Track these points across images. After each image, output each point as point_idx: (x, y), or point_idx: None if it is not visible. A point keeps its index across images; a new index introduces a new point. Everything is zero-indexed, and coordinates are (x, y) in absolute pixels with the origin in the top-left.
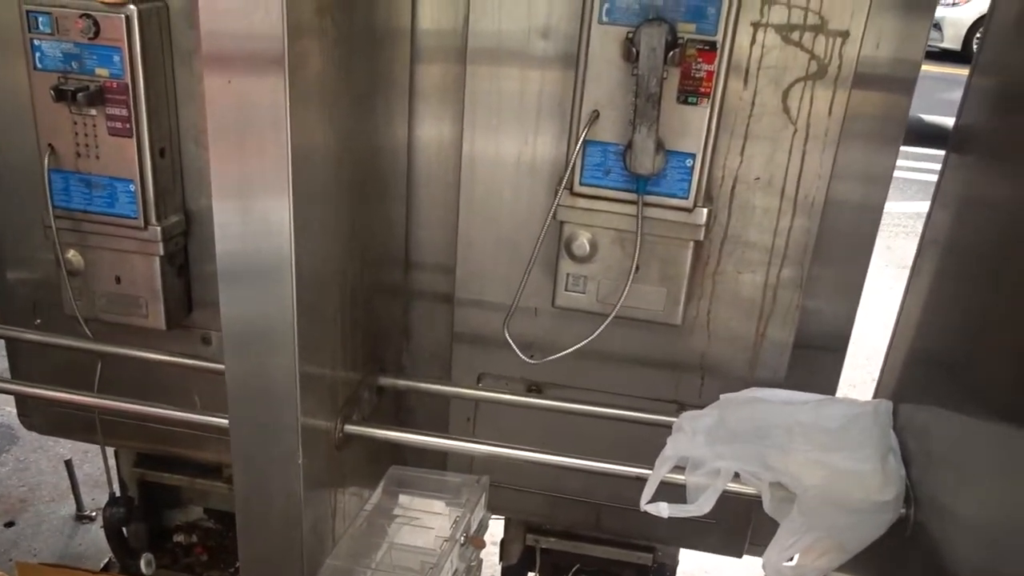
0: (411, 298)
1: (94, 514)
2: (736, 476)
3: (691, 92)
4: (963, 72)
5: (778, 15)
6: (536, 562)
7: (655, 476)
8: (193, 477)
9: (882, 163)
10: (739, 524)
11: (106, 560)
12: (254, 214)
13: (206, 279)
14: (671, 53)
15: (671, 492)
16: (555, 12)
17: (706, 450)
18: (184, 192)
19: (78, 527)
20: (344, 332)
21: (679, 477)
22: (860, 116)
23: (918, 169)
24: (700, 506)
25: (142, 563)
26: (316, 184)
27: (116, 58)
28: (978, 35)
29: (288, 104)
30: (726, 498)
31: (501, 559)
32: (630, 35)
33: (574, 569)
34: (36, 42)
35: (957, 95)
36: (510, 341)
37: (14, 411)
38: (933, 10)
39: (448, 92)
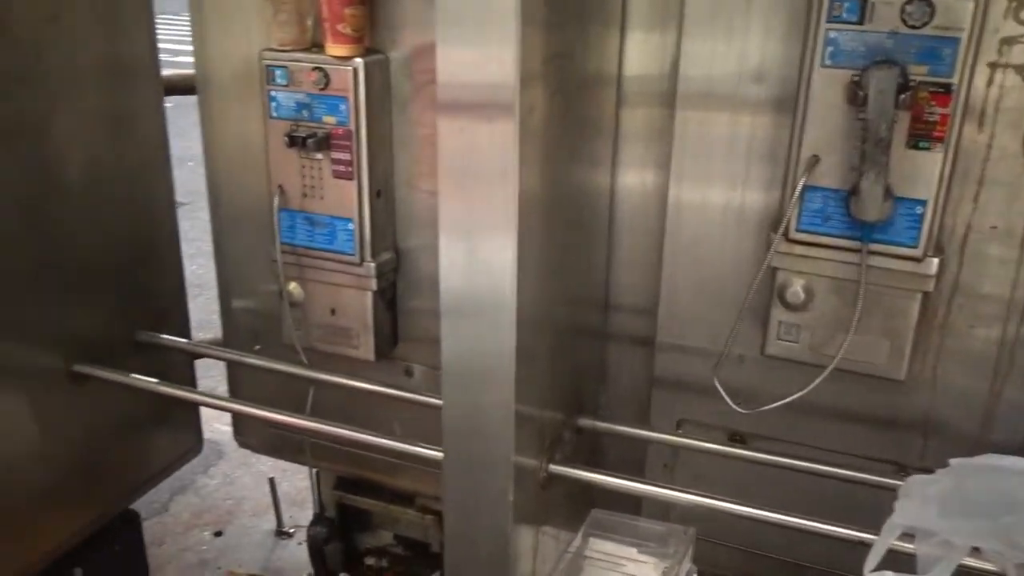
0: (609, 341)
1: (292, 531)
2: (975, 551)
3: (922, 136)
4: None
5: (1018, 55)
6: None
7: (882, 543)
8: (387, 503)
9: None
10: None
11: None
12: (479, 254)
13: (412, 314)
14: (901, 96)
15: (895, 561)
16: (768, 56)
17: (940, 521)
18: (396, 232)
19: (277, 542)
20: (552, 372)
21: (907, 546)
22: None
23: None
24: None
25: None
26: (535, 226)
27: (343, 107)
28: None
29: (517, 149)
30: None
31: None
32: (856, 78)
33: None
34: (273, 93)
35: None
36: (719, 388)
37: (222, 428)
38: None
39: (653, 137)
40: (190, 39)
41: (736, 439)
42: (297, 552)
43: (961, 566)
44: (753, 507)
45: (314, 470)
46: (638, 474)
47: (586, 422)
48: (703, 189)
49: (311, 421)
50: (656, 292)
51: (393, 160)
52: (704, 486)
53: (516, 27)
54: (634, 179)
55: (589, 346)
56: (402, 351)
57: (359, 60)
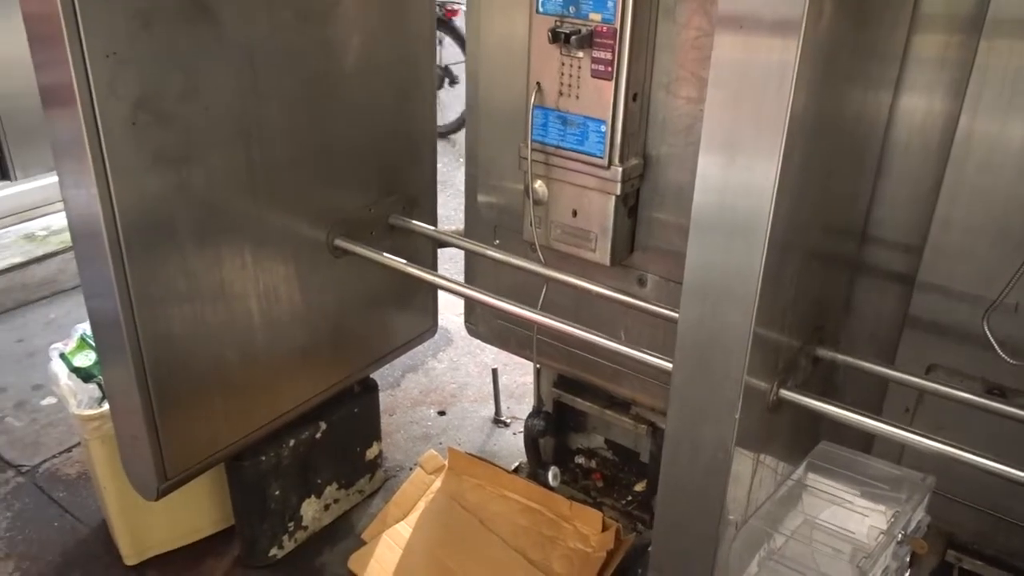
0: (860, 273)
1: (509, 421)
2: None
3: None
4: None
5: None
6: None
7: None
8: (603, 408)
9: None
10: None
11: (517, 464)
12: (739, 169)
13: (652, 223)
14: None
15: None
16: None
17: None
18: (647, 137)
19: (494, 429)
20: (795, 297)
21: None
22: None
23: None
24: None
25: (550, 475)
26: (801, 147)
27: (610, 3)
28: None
29: (797, 64)
30: None
31: (910, 566)
32: None
33: None
34: None
35: None
36: (989, 335)
37: (453, 318)
38: None
39: (947, 63)
40: None
41: (995, 392)
42: (512, 441)
43: None
44: (1002, 462)
45: (537, 366)
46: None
47: (825, 352)
48: (1001, 123)
49: (541, 315)
50: (925, 226)
51: (654, 63)
52: (946, 436)
53: None
54: (917, 106)
55: (838, 276)
56: (637, 259)
57: None
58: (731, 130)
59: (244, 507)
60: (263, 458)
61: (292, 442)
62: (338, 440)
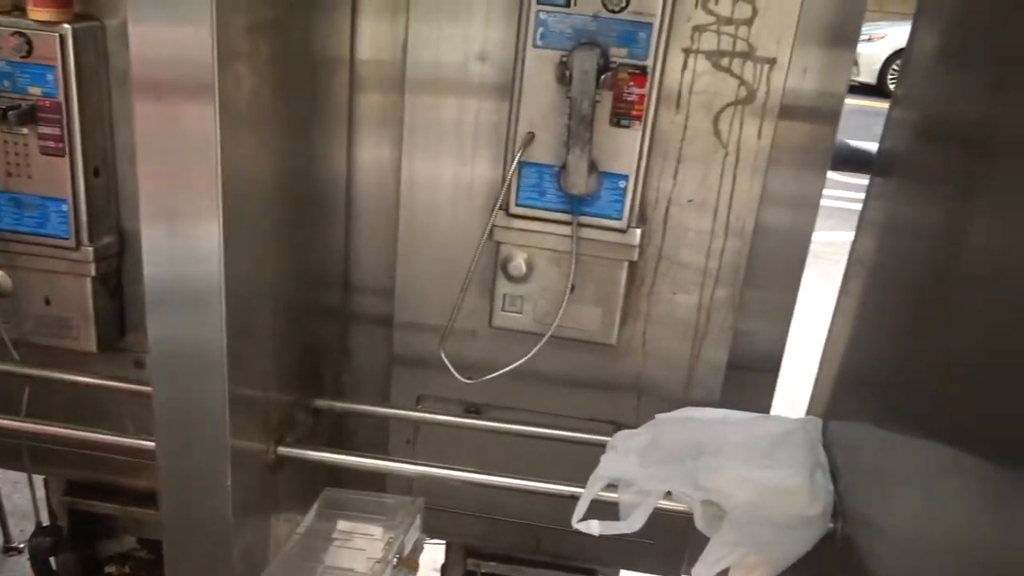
0: (351, 320)
1: (22, 546)
2: (668, 495)
3: (623, 115)
4: (879, 105)
5: (708, 42)
6: None
7: (587, 494)
8: (125, 505)
9: (810, 189)
10: (676, 544)
11: None
12: (183, 237)
13: (141, 301)
14: (603, 76)
15: (605, 511)
16: (491, 38)
17: (639, 470)
18: (119, 212)
19: (5, 560)
20: (278, 353)
21: (612, 495)
22: (788, 143)
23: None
24: (631, 523)
25: None
26: (248, 207)
27: (49, 77)
28: (895, 67)
29: (218, 128)
30: (662, 517)
31: None
32: (563, 58)
33: None
34: None
35: (874, 126)
36: (446, 362)
37: None
38: (856, 41)
39: (388, 119)
40: None
41: (472, 410)
42: (28, 568)
43: (657, 509)
44: (478, 472)
45: (42, 477)
46: (384, 452)
47: (323, 402)
48: (434, 169)
49: (24, 422)
50: (393, 268)
51: (113, 136)
52: (447, 458)
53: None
54: (371, 160)
55: (328, 326)
56: (132, 341)
57: (67, 26)
58: (168, 199)
59: None
60: None
61: None
62: None
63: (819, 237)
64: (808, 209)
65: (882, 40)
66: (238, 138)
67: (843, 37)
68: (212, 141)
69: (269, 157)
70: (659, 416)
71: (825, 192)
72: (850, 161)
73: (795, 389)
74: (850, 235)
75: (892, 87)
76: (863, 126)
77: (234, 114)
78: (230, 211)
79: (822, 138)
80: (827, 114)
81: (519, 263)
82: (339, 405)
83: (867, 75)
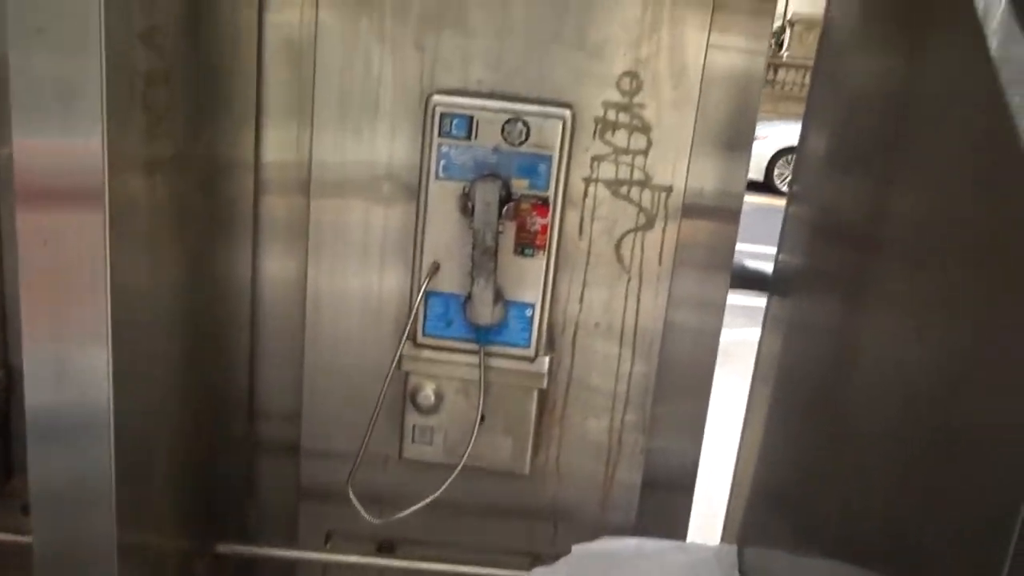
0: (256, 449)
1: None
2: None
3: (527, 244)
4: (767, 201)
5: (607, 171)
6: None
7: None
8: None
9: (715, 293)
10: None
11: None
12: (69, 365)
13: None
14: (505, 208)
15: None
16: (396, 158)
17: None
18: (7, 345)
19: None
20: (175, 492)
21: None
22: (690, 254)
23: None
24: None
25: None
26: (142, 328)
27: None
28: (786, 160)
29: (107, 239)
30: None
31: None
32: (466, 190)
33: None
34: None
35: (763, 220)
36: (354, 500)
37: None
38: (750, 149)
39: (293, 225)
40: None
41: (384, 548)
42: None
43: None
44: None
45: None
46: None
47: (226, 548)
48: (341, 280)
49: None
50: (300, 389)
51: (2, 264)
52: None
53: (101, 113)
54: (275, 270)
55: (232, 457)
56: (18, 485)
57: None
58: (52, 320)
59: None
60: None
61: None
62: None
63: (729, 336)
64: (714, 312)
65: (766, 140)
66: (131, 250)
67: (738, 144)
68: (100, 254)
69: (168, 271)
70: (576, 548)
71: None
72: (747, 279)
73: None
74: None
75: (779, 184)
76: (754, 222)
77: (126, 224)
78: (120, 333)
79: (724, 239)
80: (727, 214)
81: (428, 393)
82: (243, 549)
83: (755, 172)
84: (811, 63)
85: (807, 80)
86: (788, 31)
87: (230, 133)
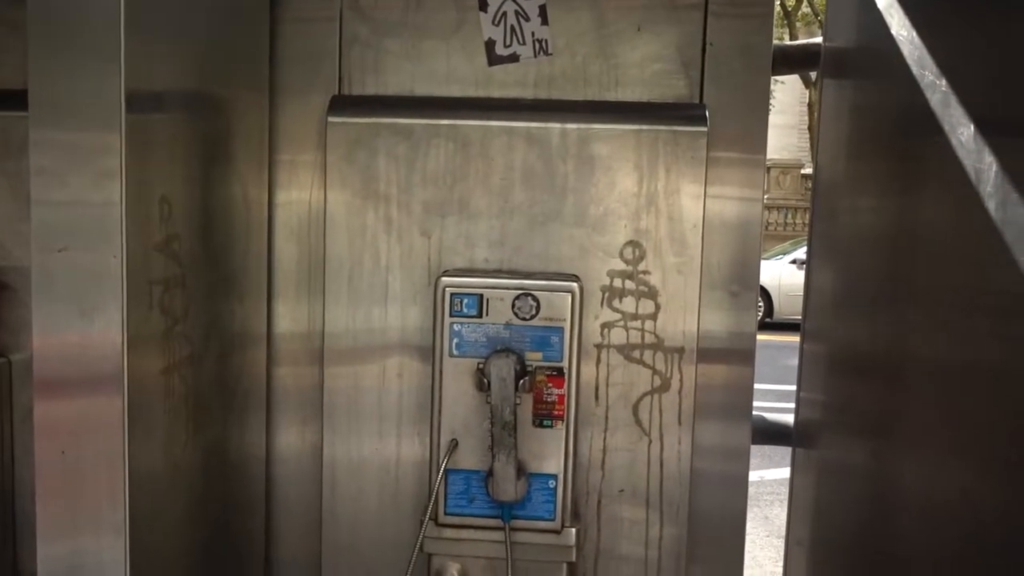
0: None
1: None
2: None
3: (545, 416)
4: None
5: (618, 336)
6: None
7: None
8: None
9: (738, 442)
10: None
11: None
12: (85, 556)
13: None
14: (521, 381)
15: None
16: (408, 330)
17: None
18: (16, 552)
19: None
20: None
21: None
22: (709, 407)
23: None
24: None
25: None
26: (160, 516)
27: None
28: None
29: (126, 423)
30: None
31: None
32: (480, 366)
33: None
34: None
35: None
36: None
37: None
38: (757, 290)
39: (306, 398)
40: None
41: None
42: None
43: None
44: None
45: None
46: None
47: None
48: (357, 453)
49: None
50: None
51: (14, 472)
52: None
53: (122, 300)
54: (290, 443)
55: None
56: None
57: None
58: (68, 511)
59: None
60: None
61: None
62: None
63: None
64: (740, 460)
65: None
66: (147, 441)
67: (744, 287)
68: (119, 440)
69: (186, 454)
70: None
71: None
72: (771, 435)
73: None
74: (778, 471)
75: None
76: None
77: (143, 419)
78: (138, 520)
79: (741, 381)
80: (741, 355)
81: (453, 574)
82: None
83: None
84: (791, 203)
85: (788, 219)
86: (766, 176)
87: (242, 309)
